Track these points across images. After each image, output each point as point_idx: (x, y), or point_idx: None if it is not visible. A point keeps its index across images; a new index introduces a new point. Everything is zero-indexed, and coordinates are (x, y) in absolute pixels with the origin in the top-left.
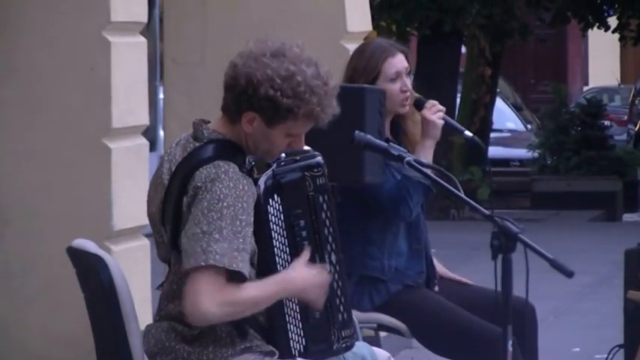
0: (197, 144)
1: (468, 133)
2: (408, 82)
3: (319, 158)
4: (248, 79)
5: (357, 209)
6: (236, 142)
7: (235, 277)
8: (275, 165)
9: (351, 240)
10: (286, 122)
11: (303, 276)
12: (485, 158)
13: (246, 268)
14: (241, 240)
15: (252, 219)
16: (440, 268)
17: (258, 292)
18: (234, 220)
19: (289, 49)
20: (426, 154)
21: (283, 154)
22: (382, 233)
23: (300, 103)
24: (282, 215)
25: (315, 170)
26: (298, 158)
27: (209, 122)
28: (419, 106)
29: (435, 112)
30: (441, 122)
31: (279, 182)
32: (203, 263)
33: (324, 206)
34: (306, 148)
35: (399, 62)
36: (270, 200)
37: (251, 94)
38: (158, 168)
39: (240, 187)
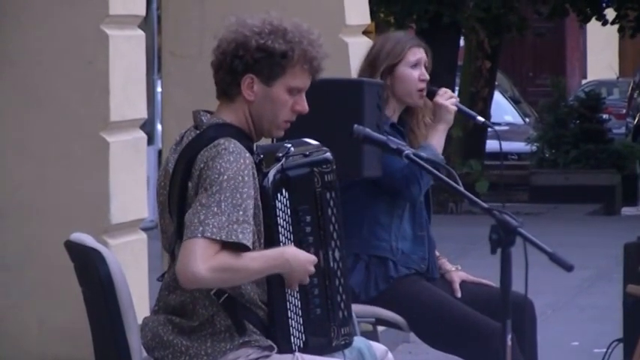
0: (198, 131)
1: (480, 118)
2: (427, 75)
3: (328, 154)
4: (236, 41)
5: (366, 191)
6: (238, 126)
7: (237, 249)
8: (284, 159)
9: (359, 222)
10: (284, 72)
11: (299, 258)
12: (484, 150)
13: (247, 239)
14: (241, 212)
15: (254, 192)
16: (462, 274)
17: (254, 263)
18: (234, 193)
19: (268, 14)
20: (438, 137)
21: (292, 148)
22: (389, 216)
23: (292, 45)
24: (288, 210)
25: (324, 166)
26: (307, 153)
27: (210, 112)
28: (431, 94)
29: (447, 97)
30: (454, 108)
31: (288, 177)
32: (199, 235)
33: (331, 203)
34: (315, 143)
35: (420, 53)
36: (279, 195)
37: (242, 54)
38: (165, 160)
39: (241, 161)
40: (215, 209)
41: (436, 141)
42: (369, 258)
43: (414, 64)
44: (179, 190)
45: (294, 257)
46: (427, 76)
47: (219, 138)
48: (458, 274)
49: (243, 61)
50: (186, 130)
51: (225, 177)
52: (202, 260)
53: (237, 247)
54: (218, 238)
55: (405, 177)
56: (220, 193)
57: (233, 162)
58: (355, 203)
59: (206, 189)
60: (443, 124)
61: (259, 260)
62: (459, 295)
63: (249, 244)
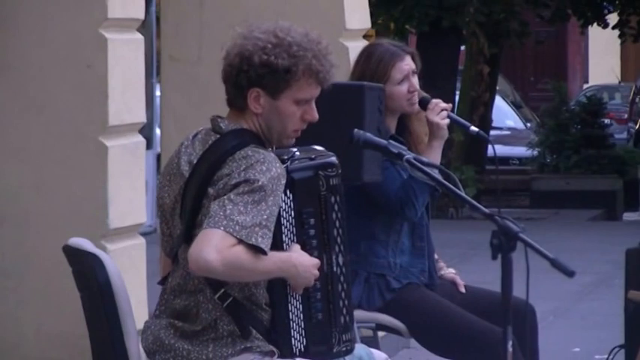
0: (217, 136)
1: (473, 128)
2: (415, 81)
3: (334, 158)
4: (241, 55)
5: (363, 207)
6: (255, 133)
7: (254, 251)
8: (289, 162)
9: (356, 238)
10: (289, 86)
11: (305, 264)
12: (486, 155)
13: (265, 244)
14: (265, 217)
15: (280, 200)
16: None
17: (263, 264)
18: (262, 198)
19: (277, 23)
20: (433, 154)
21: (298, 152)
22: (387, 231)
23: (296, 60)
24: (292, 212)
25: (329, 170)
26: (313, 157)
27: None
28: (423, 105)
29: (438, 112)
30: (446, 122)
31: (293, 179)
32: (222, 228)
33: (336, 207)
34: (320, 148)
35: (406, 65)
36: (283, 196)
37: (247, 69)
38: (170, 161)
39: (274, 170)
40: (241, 208)
41: (432, 159)
42: (368, 274)
43: (401, 80)
44: (195, 194)
45: (301, 263)
46: (416, 85)
47: (245, 147)
48: (456, 276)
49: (247, 76)
50: (197, 132)
51: (257, 185)
52: (217, 250)
53: (254, 249)
54: (238, 236)
55: (399, 199)
56: (249, 195)
57: (266, 171)
58: (352, 219)
59: (236, 186)
60: (437, 141)
61: (268, 262)
62: (463, 290)
63: (267, 249)
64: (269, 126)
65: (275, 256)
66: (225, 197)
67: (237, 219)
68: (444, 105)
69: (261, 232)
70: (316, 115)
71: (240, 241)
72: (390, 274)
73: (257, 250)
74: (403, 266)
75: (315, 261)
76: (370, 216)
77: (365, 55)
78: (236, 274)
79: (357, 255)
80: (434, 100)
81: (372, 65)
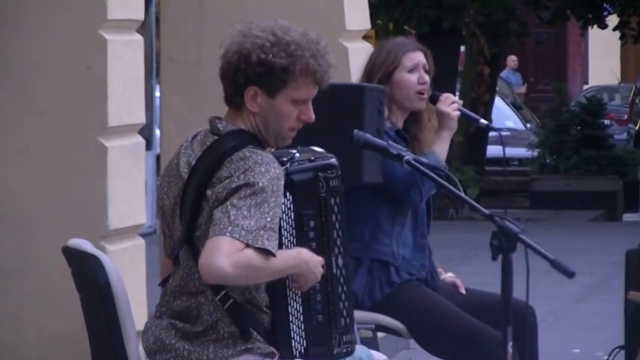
0: (215, 137)
1: (483, 121)
2: (427, 78)
3: (333, 160)
4: (239, 53)
5: (368, 196)
6: (253, 133)
7: (263, 253)
8: (289, 164)
9: (361, 226)
10: (286, 85)
11: (314, 260)
12: (486, 155)
13: (272, 246)
14: (269, 219)
15: (281, 199)
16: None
17: (275, 262)
18: (264, 200)
19: (276, 22)
20: (442, 145)
21: (297, 154)
22: (391, 221)
23: (294, 59)
24: (292, 214)
25: (329, 172)
26: (313, 158)
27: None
28: (433, 99)
29: (449, 103)
30: (456, 113)
31: (292, 181)
32: (228, 235)
33: (335, 208)
34: (320, 150)
35: (417, 57)
36: (282, 198)
37: (244, 67)
38: (170, 163)
39: (272, 171)
40: (245, 212)
41: (440, 149)
42: (371, 262)
43: (411, 69)
44: (194, 196)
45: (311, 259)
46: (427, 79)
47: (243, 148)
48: (456, 279)
49: (245, 74)
50: (196, 133)
51: (257, 187)
52: (227, 256)
53: (262, 252)
54: (244, 241)
55: (406, 184)
56: (251, 198)
57: (265, 172)
58: (358, 207)
59: (237, 191)
60: (446, 131)
61: (279, 260)
62: (463, 291)
63: (275, 251)
64: (266, 125)
65: (285, 254)
66: (227, 203)
67: (242, 224)
68: (454, 98)
69: (266, 235)
70: (312, 116)
71: (248, 245)
72: (393, 262)
73: (265, 253)
74: (406, 258)
75: (320, 258)
76: (375, 206)
77: (378, 47)
78: (249, 276)
79: (361, 243)
80: (444, 94)
81: (383, 54)
